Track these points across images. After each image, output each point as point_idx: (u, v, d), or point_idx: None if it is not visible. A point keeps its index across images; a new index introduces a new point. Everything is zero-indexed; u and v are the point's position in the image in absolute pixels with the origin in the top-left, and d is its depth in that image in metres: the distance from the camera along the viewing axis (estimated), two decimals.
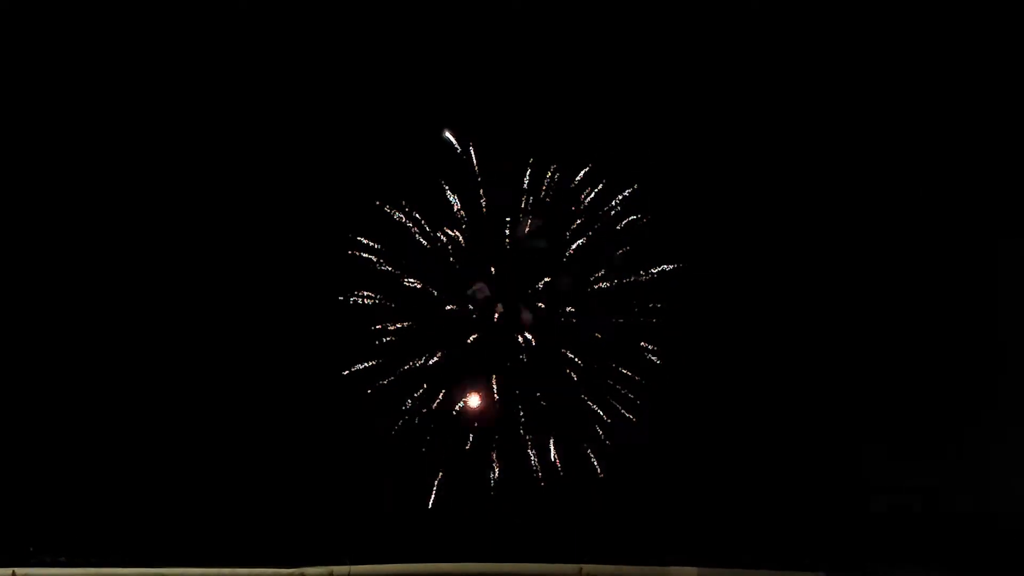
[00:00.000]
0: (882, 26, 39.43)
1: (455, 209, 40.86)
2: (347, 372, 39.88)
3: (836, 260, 40.69)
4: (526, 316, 40.89)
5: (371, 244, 40.55)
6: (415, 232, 40.80)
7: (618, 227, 41.04)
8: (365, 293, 40.37)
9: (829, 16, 39.54)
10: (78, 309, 39.57)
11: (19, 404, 38.25)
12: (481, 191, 40.75)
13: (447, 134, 40.40)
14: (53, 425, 38.42)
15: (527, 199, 40.89)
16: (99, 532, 36.64)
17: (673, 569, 36.96)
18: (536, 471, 40.06)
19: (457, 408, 40.49)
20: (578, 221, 41.11)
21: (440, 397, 40.39)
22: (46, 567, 34.71)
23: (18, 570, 33.62)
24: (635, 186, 40.87)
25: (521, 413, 40.44)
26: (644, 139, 40.71)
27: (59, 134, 39.90)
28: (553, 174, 40.77)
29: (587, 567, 36.72)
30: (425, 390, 40.33)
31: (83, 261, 39.72)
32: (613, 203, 41.00)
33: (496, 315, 40.80)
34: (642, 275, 40.90)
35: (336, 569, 36.03)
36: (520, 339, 40.85)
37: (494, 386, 40.66)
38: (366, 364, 40.04)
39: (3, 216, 39.26)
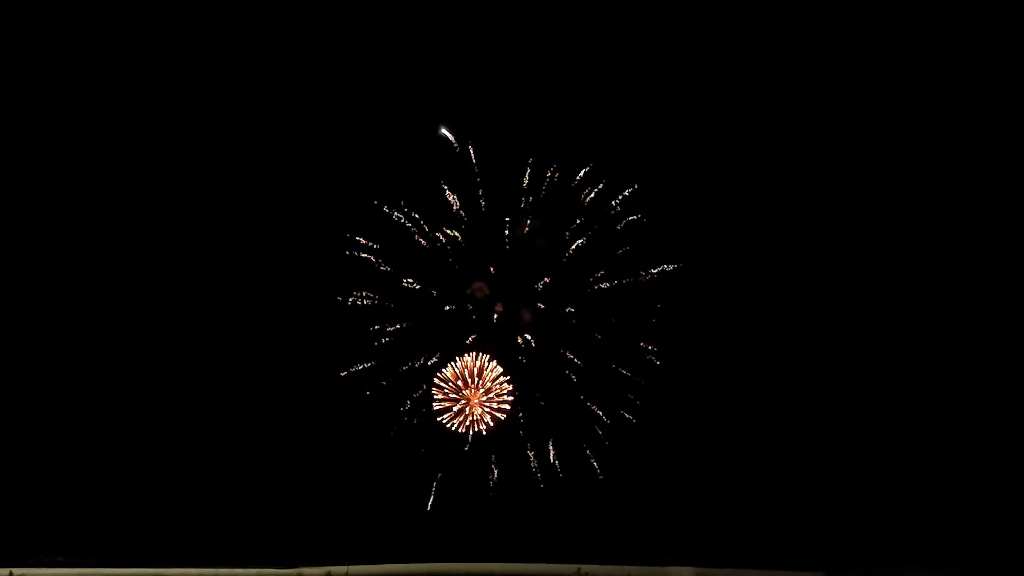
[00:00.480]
0: (883, 27, 39.13)
1: (454, 209, 40.74)
2: (345, 373, 39.90)
3: (834, 261, 40.54)
4: (526, 316, 40.80)
5: (370, 244, 40.47)
6: (414, 232, 40.73)
7: (618, 227, 40.89)
8: (364, 294, 40.29)
9: (829, 17, 39.26)
10: (76, 310, 39.44)
11: (18, 405, 38.13)
12: (480, 191, 40.59)
13: (443, 131, 40.28)
14: (51, 426, 38.32)
15: (527, 199, 40.78)
16: (97, 532, 36.61)
17: (671, 569, 36.96)
18: (535, 472, 40.02)
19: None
20: (578, 220, 41.01)
21: (439, 398, 40.45)
22: (44, 567, 34.80)
23: (15, 570, 33.69)
24: (635, 186, 40.71)
25: (520, 414, 40.45)
26: (644, 139, 40.52)
27: (59, 135, 39.74)
28: (553, 174, 40.62)
29: (585, 567, 36.68)
30: (424, 391, 40.33)
31: (81, 262, 39.60)
32: (613, 203, 40.89)
33: (495, 316, 40.71)
34: (642, 275, 40.76)
35: (334, 569, 36.01)
36: (519, 340, 40.81)
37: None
38: (364, 365, 40.00)
39: (3, 217, 39.17)
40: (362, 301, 40.07)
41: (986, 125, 38.65)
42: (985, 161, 38.91)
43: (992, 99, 38.47)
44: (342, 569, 36.03)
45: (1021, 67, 37.75)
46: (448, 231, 40.63)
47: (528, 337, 40.72)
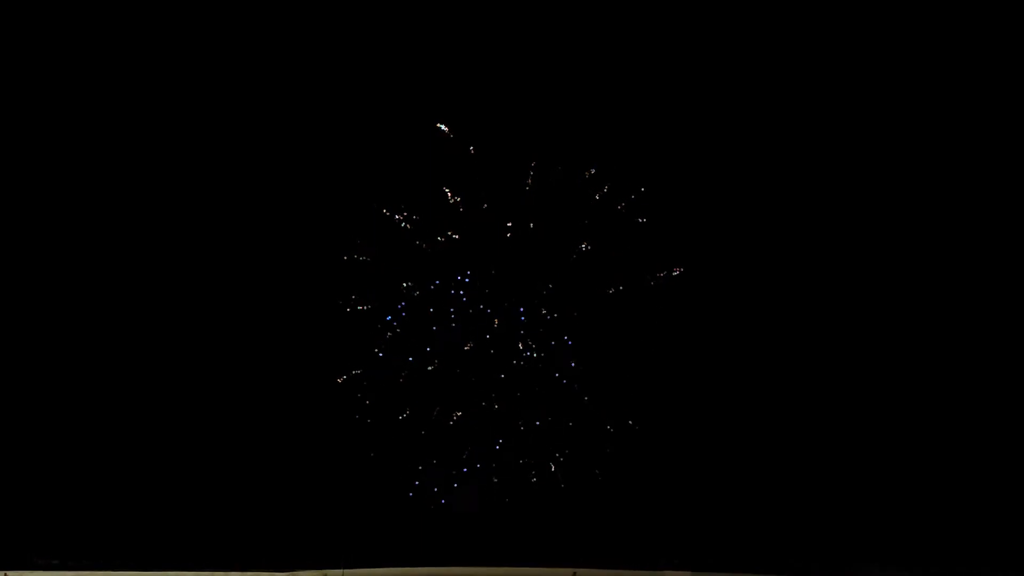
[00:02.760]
0: (883, 28, 38.64)
1: (455, 210, 40.03)
2: (343, 379, 39.47)
3: (838, 265, 40.11)
4: (526, 320, 40.50)
5: (368, 246, 39.84)
6: (413, 234, 40.10)
7: (622, 230, 40.31)
8: (362, 297, 39.79)
9: (831, 19, 38.75)
10: (72, 311, 38.94)
11: (12, 406, 37.88)
12: (481, 192, 39.91)
13: (440, 126, 39.58)
14: (46, 427, 38.01)
15: (527, 199, 40.10)
16: (92, 535, 36.56)
17: (667, 573, 37.32)
18: (533, 476, 40.01)
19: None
20: (581, 222, 40.41)
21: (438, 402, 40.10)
22: (38, 570, 34.80)
23: (10, 573, 33.77)
24: (641, 188, 40.11)
25: (519, 419, 40.28)
26: (649, 141, 39.98)
27: (53, 135, 39.20)
28: (555, 174, 39.98)
29: (581, 571, 36.96)
30: (422, 394, 40.00)
31: (79, 262, 39.11)
32: (618, 206, 40.18)
33: (495, 320, 40.38)
34: (648, 279, 40.36)
35: (330, 572, 36.26)
36: (520, 344, 40.47)
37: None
38: (362, 369, 39.62)
39: (3, 216, 38.78)
40: (362, 307, 39.71)
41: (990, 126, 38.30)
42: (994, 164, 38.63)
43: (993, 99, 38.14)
44: (338, 572, 36.25)
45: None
46: (448, 233, 40.12)
47: (529, 342, 40.49)
